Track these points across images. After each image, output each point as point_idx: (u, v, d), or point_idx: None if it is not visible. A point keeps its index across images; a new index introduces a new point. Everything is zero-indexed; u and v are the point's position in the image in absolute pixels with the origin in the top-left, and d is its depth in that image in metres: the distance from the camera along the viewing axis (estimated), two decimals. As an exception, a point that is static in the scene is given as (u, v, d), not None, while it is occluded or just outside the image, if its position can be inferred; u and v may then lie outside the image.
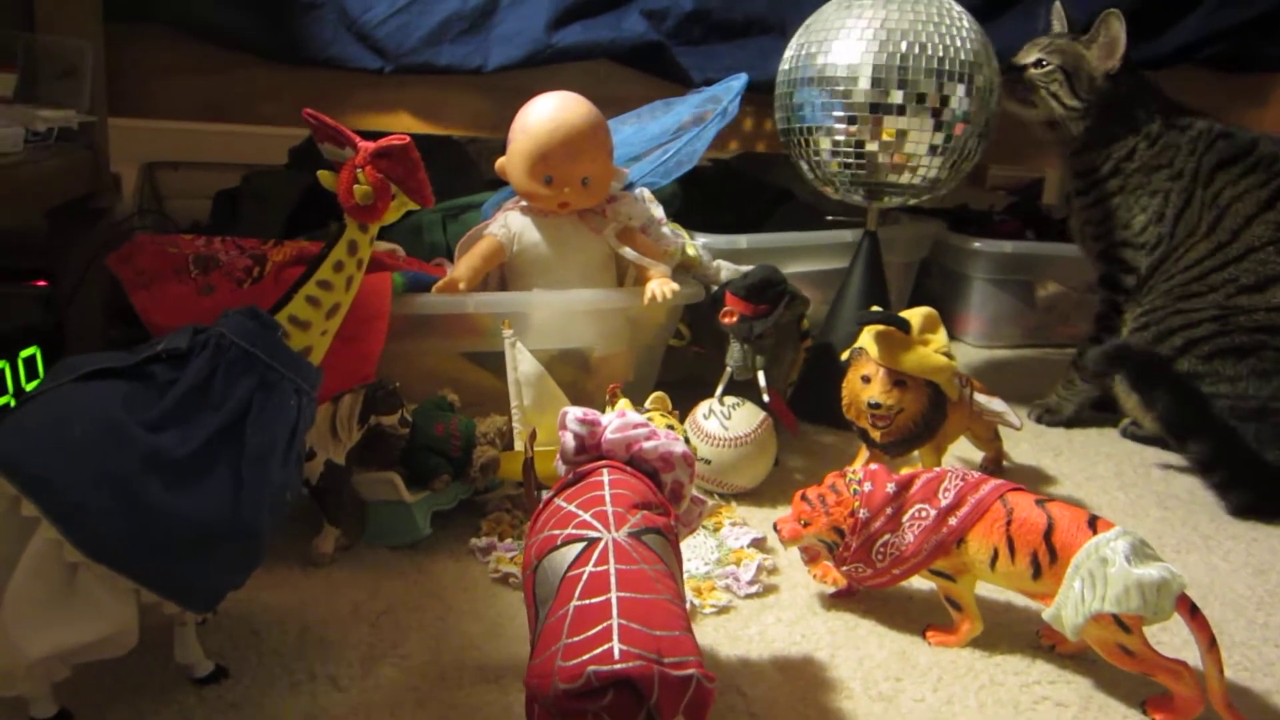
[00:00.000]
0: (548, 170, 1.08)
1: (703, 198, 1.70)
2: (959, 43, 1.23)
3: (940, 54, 1.21)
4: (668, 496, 0.73)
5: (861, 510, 0.86)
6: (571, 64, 1.45)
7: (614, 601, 0.58)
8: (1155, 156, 1.34)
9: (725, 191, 1.82)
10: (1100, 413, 1.44)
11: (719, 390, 1.14)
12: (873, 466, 0.88)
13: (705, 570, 0.95)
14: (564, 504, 0.68)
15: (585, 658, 0.55)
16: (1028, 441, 1.36)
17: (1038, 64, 1.35)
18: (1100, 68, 1.33)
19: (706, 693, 0.57)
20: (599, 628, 0.57)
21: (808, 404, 1.36)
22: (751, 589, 0.92)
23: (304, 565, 0.92)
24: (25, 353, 1.06)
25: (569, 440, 0.73)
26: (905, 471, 0.88)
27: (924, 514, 0.85)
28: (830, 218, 1.68)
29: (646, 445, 0.72)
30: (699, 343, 1.27)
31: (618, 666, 0.54)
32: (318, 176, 0.77)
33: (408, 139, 0.74)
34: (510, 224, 1.13)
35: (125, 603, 0.64)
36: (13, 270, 1.39)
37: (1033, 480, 1.24)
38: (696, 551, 0.99)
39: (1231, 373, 1.24)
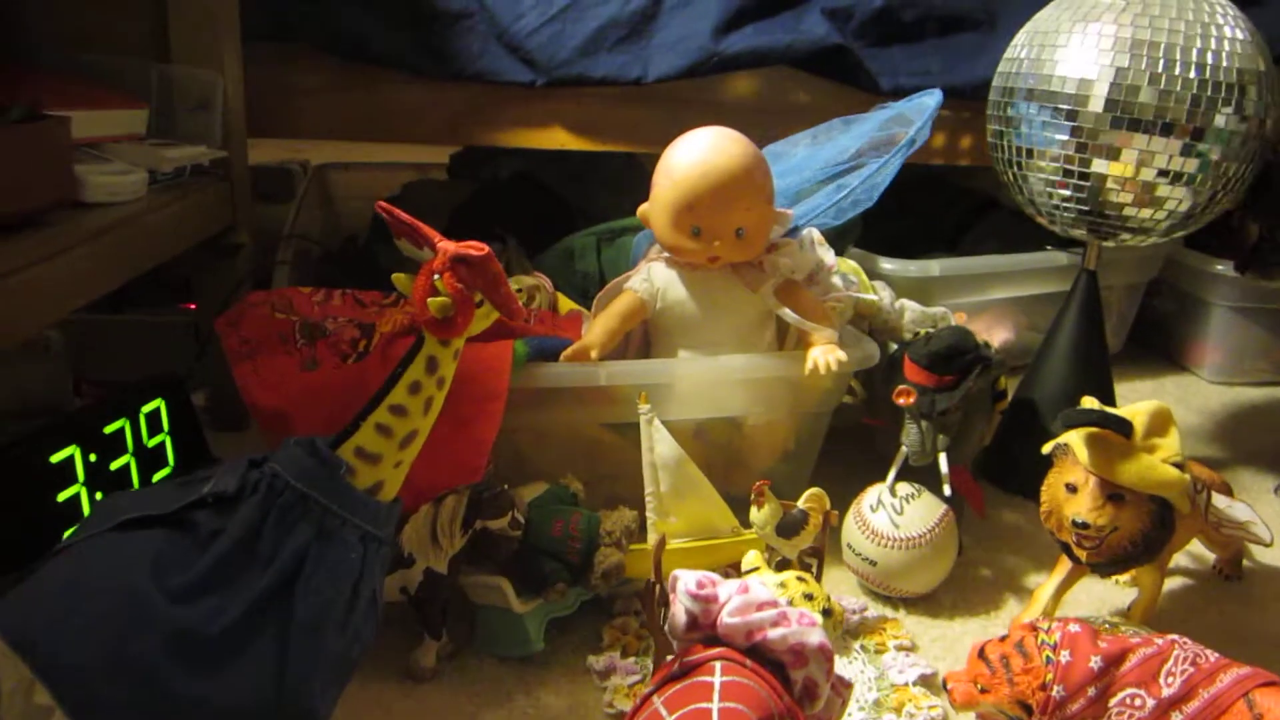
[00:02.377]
0: (695, 221, 0.93)
1: (895, 205, 1.51)
2: (1225, 51, 0.99)
3: (1199, 69, 0.98)
4: (798, 696, 0.58)
5: (1056, 688, 0.68)
6: (742, 73, 1.29)
7: None
8: None
9: (919, 198, 1.62)
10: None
11: (890, 476, 0.97)
12: (1074, 628, 0.71)
13: (861, 717, 0.80)
14: (663, 711, 0.55)
15: None
16: (1276, 526, 1.12)
17: None
18: None
19: None
20: None
21: (999, 469, 1.17)
22: (913, 754, 0.77)
23: (401, 680, 0.83)
24: (148, 407, 1.01)
25: (680, 615, 0.60)
26: (1115, 635, 0.70)
27: (1139, 703, 0.67)
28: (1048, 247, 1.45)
29: (773, 634, 0.58)
30: (873, 412, 1.10)
31: None
32: (393, 279, 0.66)
33: (487, 250, 0.61)
34: (654, 278, 0.99)
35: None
36: (161, 295, 1.37)
37: (1278, 589, 1.01)
38: (854, 676, 0.84)
39: None
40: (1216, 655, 0.68)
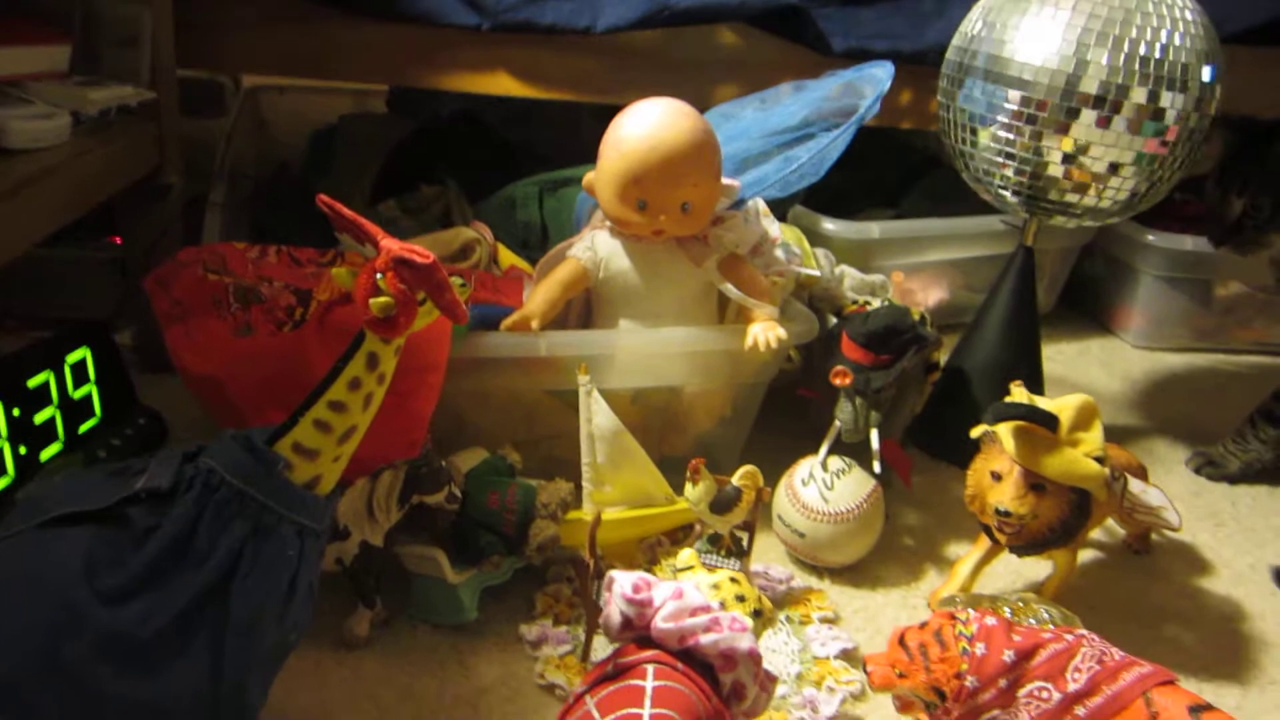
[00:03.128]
0: (642, 195, 0.93)
1: (844, 156, 1.52)
2: (1179, 33, 1.00)
3: (1151, 51, 0.99)
4: (726, 697, 0.60)
5: (970, 678, 0.71)
6: (693, 26, 1.26)
7: None
8: None
9: (862, 153, 1.62)
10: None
11: (823, 451, 0.99)
12: (990, 621, 0.73)
13: (783, 691, 0.83)
14: (596, 714, 0.57)
15: None
16: (1183, 502, 1.17)
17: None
18: None
19: None
20: None
21: (928, 436, 1.20)
22: (832, 728, 0.80)
23: (336, 648, 0.84)
24: (73, 357, 0.99)
25: (615, 616, 0.61)
26: (1028, 629, 0.73)
27: (1045, 695, 0.70)
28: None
29: (705, 640, 0.59)
30: (808, 384, 1.11)
31: None
32: (333, 273, 0.64)
33: (432, 259, 0.60)
34: (597, 247, 0.98)
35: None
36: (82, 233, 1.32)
37: (1183, 564, 1.06)
38: (778, 649, 0.87)
39: None
40: (1122, 654, 0.71)
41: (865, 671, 0.76)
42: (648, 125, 0.92)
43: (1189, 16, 1.02)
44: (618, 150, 0.93)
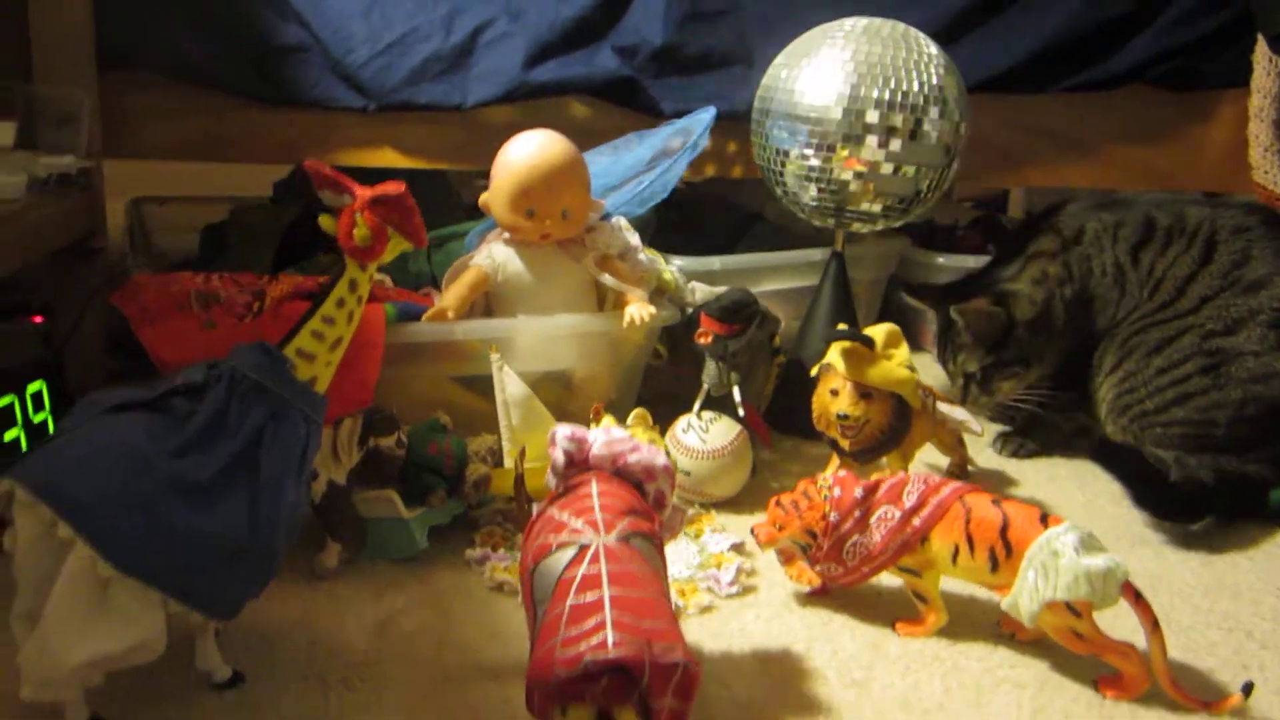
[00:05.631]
0: (529, 204, 1.14)
1: (677, 220, 1.77)
2: (928, 74, 1.30)
3: (910, 85, 1.28)
4: (651, 504, 0.79)
5: (832, 514, 0.92)
6: (547, 99, 1.51)
7: (606, 598, 0.64)
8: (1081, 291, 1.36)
9: (697, 216, 1.89)
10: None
11: (696, 406, 1.20)
12: (842, 473, 0.95)
13: (688, 574, 1.01)
14: (556, 513, 0.74)
15: (582, 647, 0.61)
16: (991, 447, 1.43)
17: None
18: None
19: (693, 676, 0.63)
20: (593, 621, 0.63)
21: (781, 417, 1.42)
22: (732, 589, 0.99)
23: (310, 579, 0.98)
24: (32, 387, 1.11)
25: (559, 456, 0.79)
26: (873, 477, 0.95)
27: (890, 515, 0.91)
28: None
29: (631, 458, 0.78)
30: (677, 363, 1.33)
31: (612, 654, 0.60)
32: (319, 222, 0.83)
33: (404, 187, 0.80)
34: (495, 255, 1.19)
35: (154, 613, 0.70)
36: (9, 308, 1.44)
37: (997, 483, 1.30)
38: (679, 556, 1.05)
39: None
40: (940, 478, 0.93)
41: (752, 534, 0.96)
42: (532, 148, 1.15)
43: (937, 57, 1.33)
44: (508, 169, 1.15)
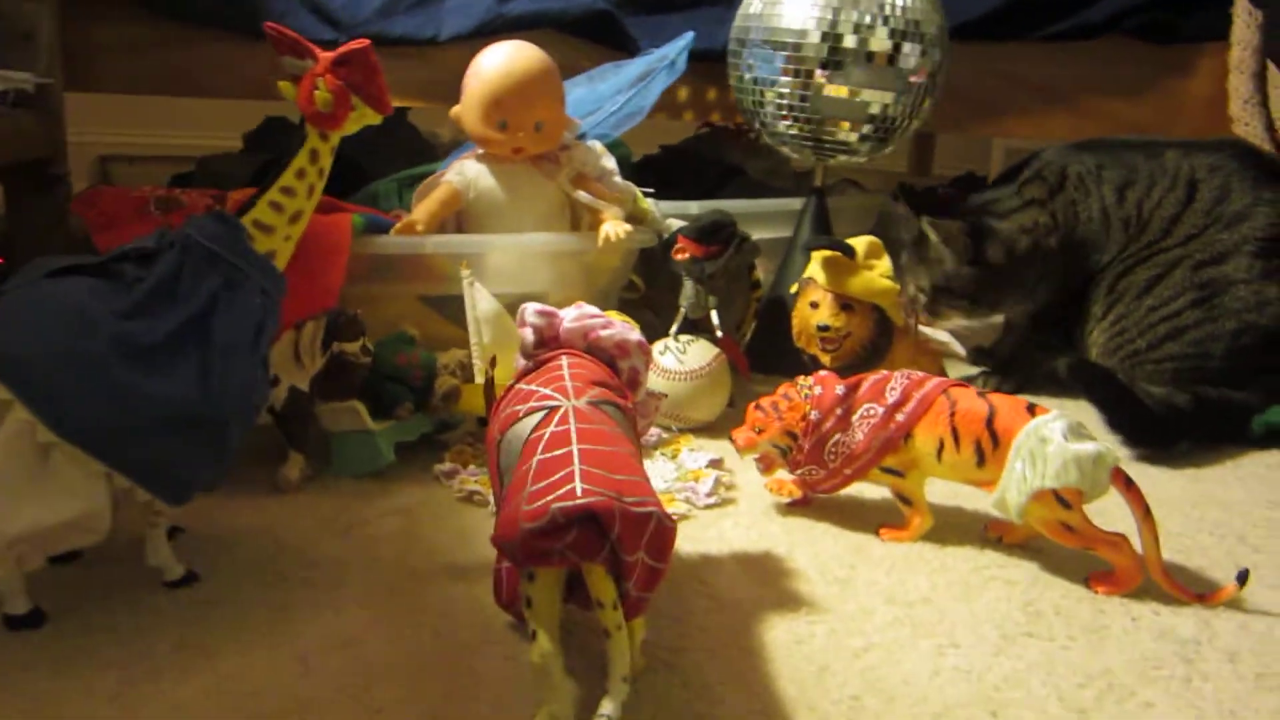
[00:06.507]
0: (502, 115, 1.11)
1: (656, 180, 1.74)
2: (909, 1, 1.28)
3: (889, 10, 1.26)
4: (624, 383, 0.76)
5: (813, 412, 0.89)
6: (522, 33, 1.48)
7: (575, 452, 0.61)
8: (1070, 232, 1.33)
9: (677, 171, 1.86)
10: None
11: (674, 329, 1.17)
12: (824, 373, 0.92)
13: (664, 486, 0.98)
14: (524, 386, 0.71)
15: (549, 498, 0.58)
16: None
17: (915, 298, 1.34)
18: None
19: (667, 530, 0.59)
20: (561, 473, 0.59)
21: (761, 355, 1.39)
22: (710, 500, 0.95)
23: (271, 492, 0.94)
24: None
25: (528, 334, 0.76)
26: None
27: (872, 412, 0.88)
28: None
29: (604, 333, 0.75)
30: (653, 282, 1.30)
31: (580, 501, 0.57)
32: (279, 87, 0.80)
33: (367, 43, 0.77)
34: (466, 171, 1.15)
35: (97, 485, 0.66)
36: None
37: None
38: (656, 472, 1.01)
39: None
40: (924, 374, 0.90)
41: (731, 439, 0.92)
42: (504, 57, 1.12)
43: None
44: (480, 79, 1.12)
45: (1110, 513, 0.83)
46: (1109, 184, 1.33)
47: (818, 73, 1.27)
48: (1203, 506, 1.00)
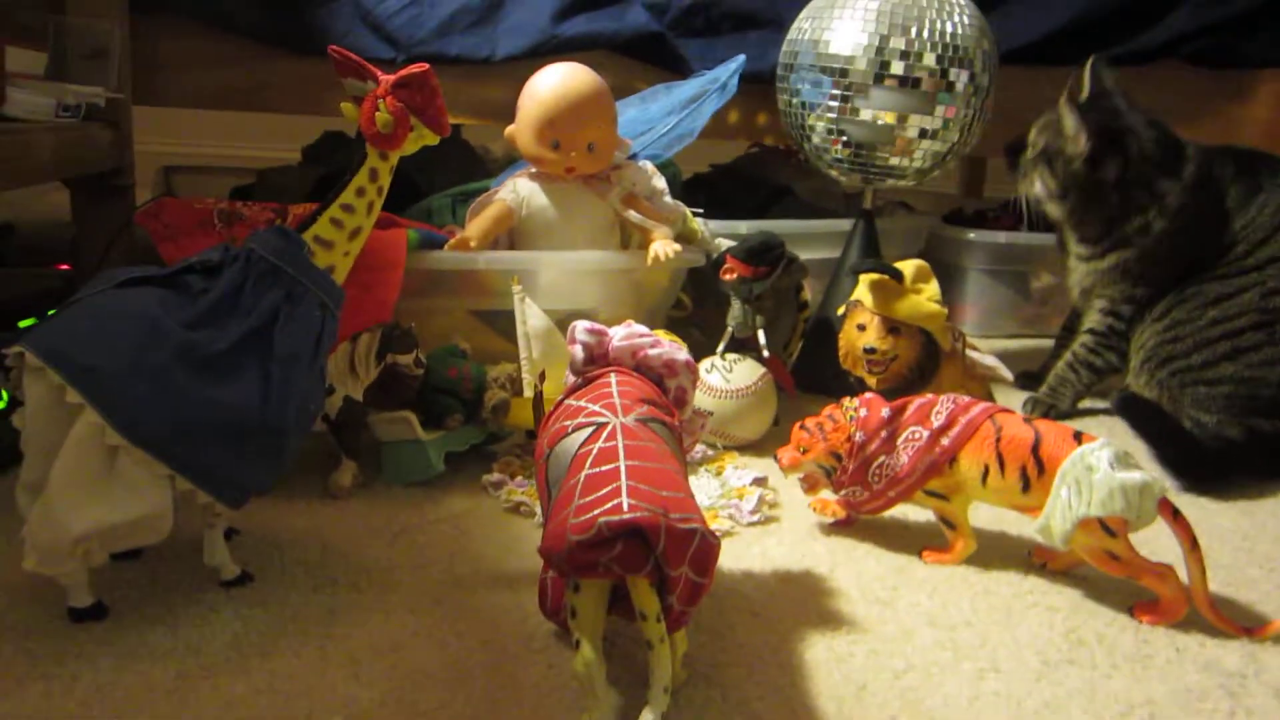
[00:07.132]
0: (555, 135, 1.13)
1: (705, 198, 1.76)
2: (958, 27, 1.28)
3: (938, 37, 1.26)
4: (671, 401, 0.77)
5: (858, 434, 0.90)
6: (575, 54, 1.50)
7: (622, 468, 0.62)
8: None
9: (726, 190, 1.88)
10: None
11: (721, 347, 1.18)
12: (869, 396, 0.92)
13: (708, 503, 0.99)
14: (573, 402, 0.72)
15: (596, 512, 0.59)
16: (1017, 405, 1.39)
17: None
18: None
19: (711, 546, 0.60)
20: (609, 488, 0.61)
21: (807, 375, 1.40)
22: (754, 518, 0.96)
23: (323, 497, 0.96)
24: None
25: (578, 351, 0.77)
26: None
27: (917, 436, 0.89)
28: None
29: (652, 352, 0.76)
30: (703, 302, 1.31)
31: (626, 516, 0.58)
32: (341, 108, 0.82)
33: (427, 67, 0.79)
34: (519, 189, 1.18)
35: (160, 487, 0.68)
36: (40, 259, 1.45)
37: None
38: (700, 489, 1.02)
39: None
40: (970, 398, 0.90)
41: (776, 460, 0.93)
42: (559, 78, 1.14)
43: (967, 7, 1.31)
44: (535, 100, 1.14)
45: (1158, 543, 0.83)
46: (1234, 197, 1.30)
47: (859, 99, 1.27)
48: (1253, 539, 0.99)
